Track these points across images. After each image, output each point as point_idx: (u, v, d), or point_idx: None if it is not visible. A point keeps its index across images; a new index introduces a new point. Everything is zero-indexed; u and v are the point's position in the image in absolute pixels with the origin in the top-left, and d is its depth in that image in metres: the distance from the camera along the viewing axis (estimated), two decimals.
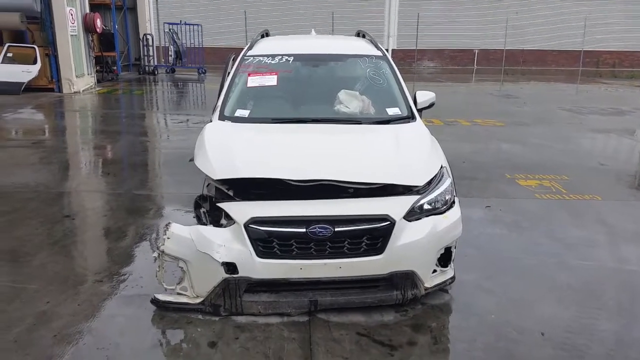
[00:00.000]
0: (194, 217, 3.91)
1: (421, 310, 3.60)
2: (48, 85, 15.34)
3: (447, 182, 3.70)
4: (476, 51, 26.71)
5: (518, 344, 3.27)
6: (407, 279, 3.46)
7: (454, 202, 3.71)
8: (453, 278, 3.78)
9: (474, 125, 10.98)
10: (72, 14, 15.37)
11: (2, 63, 14.70)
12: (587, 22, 25.51)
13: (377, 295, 3.49)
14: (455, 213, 3.64)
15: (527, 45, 26.66)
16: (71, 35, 15.31)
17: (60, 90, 15.31)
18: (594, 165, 7.75)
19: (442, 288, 3.76)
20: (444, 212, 3.58)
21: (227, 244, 3.29)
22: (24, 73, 14.72)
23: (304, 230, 3.26)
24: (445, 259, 3.69)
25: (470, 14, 26.41)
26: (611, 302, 3.81)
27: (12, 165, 7.37)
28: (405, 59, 26.25)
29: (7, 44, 15.15)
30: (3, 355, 3.08)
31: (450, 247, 3.67)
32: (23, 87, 14.66)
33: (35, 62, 14.89)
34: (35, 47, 15.08)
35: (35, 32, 15.82)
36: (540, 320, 3.53)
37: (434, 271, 3.64)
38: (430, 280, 3.60)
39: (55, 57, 15.12)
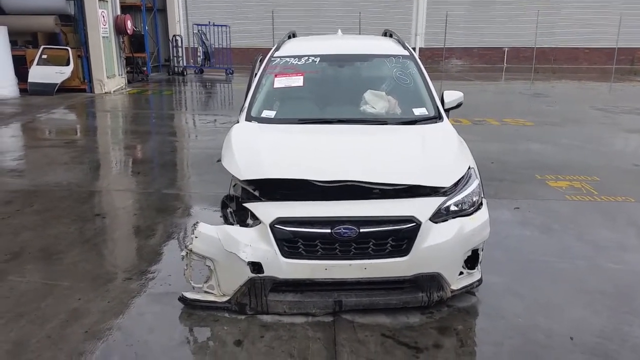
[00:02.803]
0: (220, 217, 3.95)
1: (447, 313, 3.57)
2: (80, 86, 15.70)
3: (474, 184, 3.66)
4: (506, 49, 26.31)
5: (546, 349, 3.21)
6: (433, 281, 3.43)
7: (481, 203, 3.66)
8: (480, 280, 3.73)
9: (503, 124, 10.81)
10: (103, 16, 15.71)
11: (37, 65, 15.11)
12: (622, 17, 24.84)
13: (402, 296, 3.47)
14: (482, 215, 3.60)
15: (558, 42, 26.12)
16: (103, 37, 15.64)
17: (91, 90, 15.66)
18: (626, 166, 7.56)
19: (468, 290, 3.72)
20: (471, 213, 3.54)
21: (253, 244, 3.32)
22: (58, 74, 15.11)
23: (329, 230, 3.26)
24: (472, 261, 3.65)
25: (500, 11, 26.02)
26: None
27: (46, 164, 7.57)
28: (433, 57, 26.04)
29: (42, 46, 15.57)
30: (37, 349, 3.17)
31: (477, 249, 3.63)
32: (56, 88, 15.05)
33: (68, 64, 15.26)
34: (69, 48, 15.46)
35: (69, 34, 16.23)
36: (570, 324, 3.47)
37: (461, 273, 3.61)
38: (456, 282, 3.57)
39: (87, 58, 15.48)
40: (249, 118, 4.48)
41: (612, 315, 3.60)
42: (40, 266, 4.33)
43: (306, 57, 4.94)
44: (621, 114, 12.24)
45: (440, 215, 3.43)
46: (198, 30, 21.66)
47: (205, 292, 3.55)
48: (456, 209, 3.50)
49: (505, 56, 26.35)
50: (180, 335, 3.35)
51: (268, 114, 4.51)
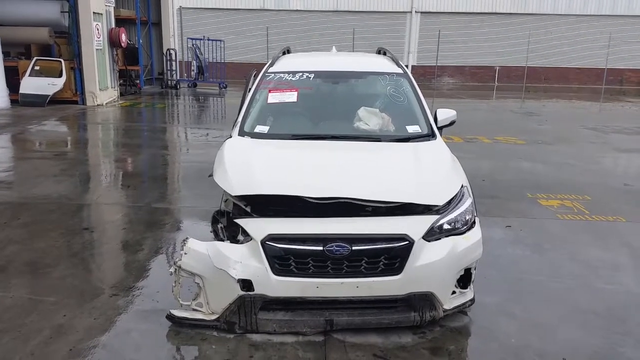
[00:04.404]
0: (211, 232, 3.90)
1: (439, 333, 3.53)
2: (72, 97, 15.64)
3: (467, 202, 3.64)
4: (497, 68, 26.61)
5: None
6: (426, 300, 3.39)
7: (474, 222, 3.64)
8: (473, 300, 3.70)
9: (495, 142, 10.87)
10: (98, 29, 15.71)
11: (29, 76, 15.04)
12: (611, 39, 25.25)
13: (394, 316, 3.42)
14: (475, 234, 3.57)
15: (549, 62, 26.46)
16: (96, 49, 15.62)
17: (84, 102, 15.60)
18: (617, 185, 7.59)
19: (461, 310, 3.68)
20: (464, 232, 3.52)
21: (244, 261, 3.27)
22: (50, 86, 15.03)
23: (320, 248, 3.22)
24: (464, 280, 3.62)
25: (492, 30, 26.35)
26: (637, 328, 3.69)
27: (35, 176, 7.48)
28: (425, 75, 26.24)
29: (35, 58, 15.52)
30: None
31: (470, 269, 3.60)
32: (48, 99, 14.96)
33: (60, 75, 15.20)
34: (62, 60, 15.42)
35: (62, 45, 16.21)
36: (563, 345, 3.44)
37: (453, 293, 3.57)
38: (449, 302, 3.53)
39: (80, 70, 15.43)
40: (242, 133, 4.46)
41: (606, 335, 3.57)
42: (26, 281, 4.25)
43: (300, 73, 4.93)
44: (611, 134, 12.35)
45: (433, 234, 3.40)
46: (192, 45, 21.71)
47: (194, 309, 3.48)
48: (449, 227, 3.47)
49: (497, 75, 26.63)
50: (167, 354, 3.27)
51: (261, 129, 4.49)
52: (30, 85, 14.94)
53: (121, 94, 17.97)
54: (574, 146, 10.65)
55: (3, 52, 14.80)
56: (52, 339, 3.37)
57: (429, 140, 4.39)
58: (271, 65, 5.19)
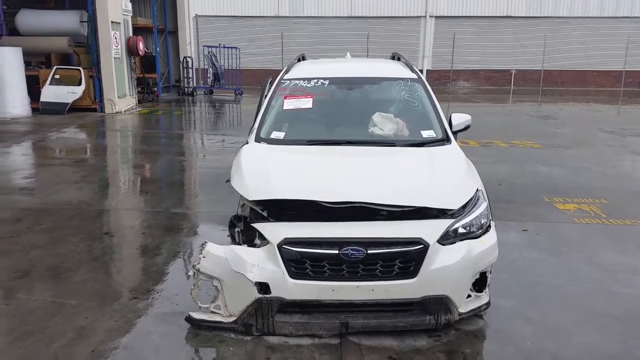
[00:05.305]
0: (228, 237, 3.97)
1: (455, 336, 3.54)
2: (91, 105, 15.91)
3: (482, 206, 3.66)
4: (513, 71, 26.41)
5: None
6: (441, 303, 3.41)
7: (489, 226, 3.66)
8: (488, 304, 3.71)
9: (511, 146, 10.81)
10: (116, 38, 15.98)
11: (49, 85, 15.35)
12: (630, 41, 24.96)
13: (409, 319, 3.45)
14: (491, 237, 3.59)
15: (565, 65, 26.22)
16: (115, 58, 15.89)
17: (102, 110, 15.86)
18: (635, 188, 7.51)
19: (476, 314, 3.69)
20: (480, 236, 3.53)
21: (261, 264, 3.33)
22: (69, 94, 15.32)
23: (336, 251, 3.27)
24: (480, 284, 3.63)
25: (507, 34, 26.21)
26: None
27: (56, 183, 7.64)
28: (440, 79, 26.19)
29: (55, 67, 15.83)
30: None
31: (485, 272, 3.61)
32: (68, 107, 15.24)
33: (80, 84, 15.48)
34: (81, 69, 15.70)
35: (81, 54, 16.52)
36: (579, 349, 3.43)
37: (469, 296, 3.58)
38: (464, 305, 3.55)
39: (99, 78, 15.71)
40: (258, 139, 4.53)
41: (623, 340, 3.55)
42: (49, 284, 4.36)
43: (315, 80, 5.00)
44: (629, 137, 12.20)
45: (448, 238, 3.42)
46: (208, 52, 21.95)
47: (212, 312, 3.55)
48: (464, 231, 3.49)
49: (513, 78, 26.45)
50: (186, 356, 3.34)
51: (277, 135, 4.56)
52: (50, 93, 15.25)
53: (139, 102, 18.22)
54: (591, 150, 10.55)
55: (24, 62, 15.13)
56: (75, 341, 3.46)
57: (444, 144, 4.41)
58: (286, 72, 5.26)
